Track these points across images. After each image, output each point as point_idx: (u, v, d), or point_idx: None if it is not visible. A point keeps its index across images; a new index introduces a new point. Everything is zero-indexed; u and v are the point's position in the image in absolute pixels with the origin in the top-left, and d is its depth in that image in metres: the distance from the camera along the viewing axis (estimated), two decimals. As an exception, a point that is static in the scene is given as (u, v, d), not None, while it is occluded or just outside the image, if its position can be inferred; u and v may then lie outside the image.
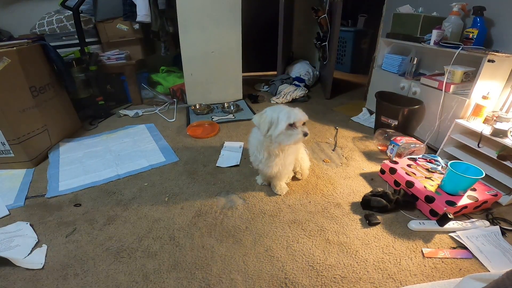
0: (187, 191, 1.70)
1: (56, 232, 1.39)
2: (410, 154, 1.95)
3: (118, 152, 2.12)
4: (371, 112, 2.81)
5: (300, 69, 3.81)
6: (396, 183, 1.72)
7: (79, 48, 2.57)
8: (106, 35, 2.90)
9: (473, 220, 1.45)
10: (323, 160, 2.04)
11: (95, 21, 2.85)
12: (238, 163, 1.97)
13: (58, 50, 2.30)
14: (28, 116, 1.92)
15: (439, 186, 1.55)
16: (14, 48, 1.84)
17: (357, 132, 2.50)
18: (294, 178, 1.83)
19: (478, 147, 1.71)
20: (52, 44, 2.30)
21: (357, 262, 1.25)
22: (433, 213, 1.46)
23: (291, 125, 1.36)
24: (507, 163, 1.56)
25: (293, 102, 3.22)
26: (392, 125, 2.24)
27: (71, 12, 2.52)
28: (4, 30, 2.93)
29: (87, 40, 2.69)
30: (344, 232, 1.41)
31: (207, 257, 1.27)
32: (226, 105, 2.96)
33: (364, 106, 2.96)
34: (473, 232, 1.38)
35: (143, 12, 2.70)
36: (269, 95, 3.43)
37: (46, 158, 2.04)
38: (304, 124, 1.41)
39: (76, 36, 2.58)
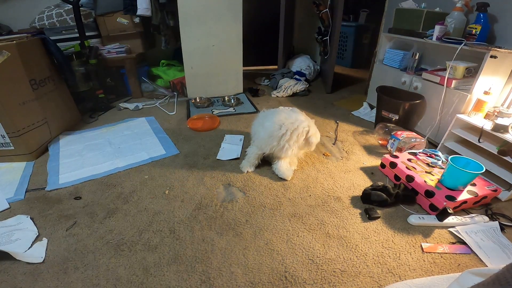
0: (187, 184, 1.70)
1: (57, 226, 1.40)
2: (411, 148, 1.95)
3: (118, 145, 2.11)
4: (371, 107, 2.81)
5: (301, 64, 3.79)
6: (396, 178, 1.72)
7: (79, 42, 2.56)
8: (106, 29, 2.88)
9: (473, 215, 1.46)
10: (324, 154, 2.04)
11: (95, 15, 2.83)
12: (239, 156, 1.97)
13: (58, 44, 2.28)
14: (28, 109, 1.92)
15: (439, 181, 1.55)
16: (14, 42, 1.84)
17: (358, 126, 2.49)
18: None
19: (479, 142, 1.71)
20: (52, 38, 2.29)
21: (356, 256, 1.25)
22: (433, 207, 1.46)
23: None
24: (508, 158, 1.56)
25: (293, 96, 3.21)
26: (393, 119, 2.24)
27: (70, 6, 2.50)
28: (4, 25, 2.91)
29: (87, 34, 2.67)
30: (344, 226, 1.41)
31: (207, 250, 1.27)
32: (226, 99, 2.95)
33: (365, 100, 2.95)
34: (472, 228, 1.39)
35: (143, 5, 2.68)
36: (269, 89, 3.42)
37: (46, 151, 2.04)
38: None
39: (76, 30, 2.57)
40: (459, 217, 1.43)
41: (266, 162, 1.89)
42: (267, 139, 1.71)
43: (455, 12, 2.04)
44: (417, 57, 2.27)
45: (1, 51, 1.76)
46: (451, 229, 1.38)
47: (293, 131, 1.67)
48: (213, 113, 2.70)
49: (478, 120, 1.78)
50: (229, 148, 2.08)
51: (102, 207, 1.52)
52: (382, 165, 1.84)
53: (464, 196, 1.45)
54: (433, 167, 1.70)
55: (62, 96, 2.31)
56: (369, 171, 1.86)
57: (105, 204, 1.55)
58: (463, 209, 1.51)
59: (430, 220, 1.41)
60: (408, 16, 2.34)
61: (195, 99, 2.92)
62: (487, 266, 1.21)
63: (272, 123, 1.71)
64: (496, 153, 1.61)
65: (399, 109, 2.19)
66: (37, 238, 1.32)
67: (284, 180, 1.75)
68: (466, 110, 1.88)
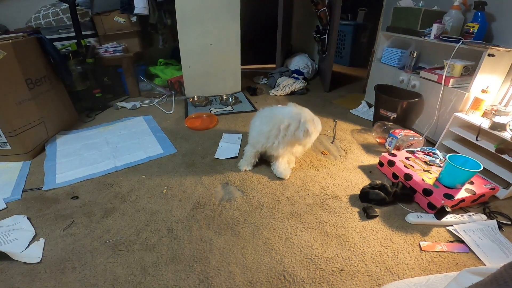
0: (185, 183, 1.70)
1: (54, 225, 1.39)
2: (409, 147, 1.95)
3: (115, 144, 2.11)
4: (370, 105, 2.81)
5: (299, 62, 3.79)
6: (395, 176, 1.72)
7: (75, 41, 2.54)
8: (103, 28, 2.86)
9: (470, 213, 1.46)
10: (322, 152, 2.04)
11: (91, 14, 2.81)
12: (237, 155, 1.97)
13: (55, 43, 2.27)
14: (24, 109, 1.91)
15: (437, 179, 1.55)
16: (10, 41, 1.82)
17: (356, 125, 2.49)
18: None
19: (477, 140, 1.71)
20: (48, 37, 2.28)
21: (355, 255, 1.25)
22: (431, 206, 1.46)
23: None
24: (505, 156, 1.56)
25: (291, 95, 3.21)
26: (391, 117, 2.24)
27: (67, 5, 2.49)
28: (0, 24, 2.89)
29: (84, 33, 2.65)
30: (343, 224, 1.41)
31: (205, 249, 1.27)
32: (224, 97, 2.94)
33: (363, 99, 2.95)
34: (470, 226, 1.39)
35: (140, 4, 2.67)
36: (267, 88, 3.41)
37: (43, 150, 2.03)
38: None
39: (73, 29, 2.55)
40: (457, 216, 1.43)
41: (264, 161, 1.89)
42: (256, 137, 1.73)
43: (452, 10, 2.05)
44: (415, 56, 2.27)
45: (-3, 50, 1.75)
46: (449, 228, 1.39)
47: (284, 127, 1.62)
48: (211, 112, 2.70)
49: (476, 118, 1.78)
50: (227, 147, 2.07)
51: (100, 206, 1.52)
52: (380, 164, 1.84)
53: (462, 194, 1.45)
54: (431, 165, 1.70)
55: (59, 96, 2.30)
56: (367, 170, 1.86)
57: (102, 203, 1.54)
58: (461, 207, 1.52)
59: (428, 218, 1.41)
60: (406, 15, 2.34)
61: (193, 98, 2.91)
62: (485, 265, 1.21)
63: (260, 121, 1.73)
64: (494, 151, 1.61)
65: (397, 108, 2.19)
66: (34, 238, 1.32)
67: (282, 179, 1.75)
68: (464, 108, 1.88)
